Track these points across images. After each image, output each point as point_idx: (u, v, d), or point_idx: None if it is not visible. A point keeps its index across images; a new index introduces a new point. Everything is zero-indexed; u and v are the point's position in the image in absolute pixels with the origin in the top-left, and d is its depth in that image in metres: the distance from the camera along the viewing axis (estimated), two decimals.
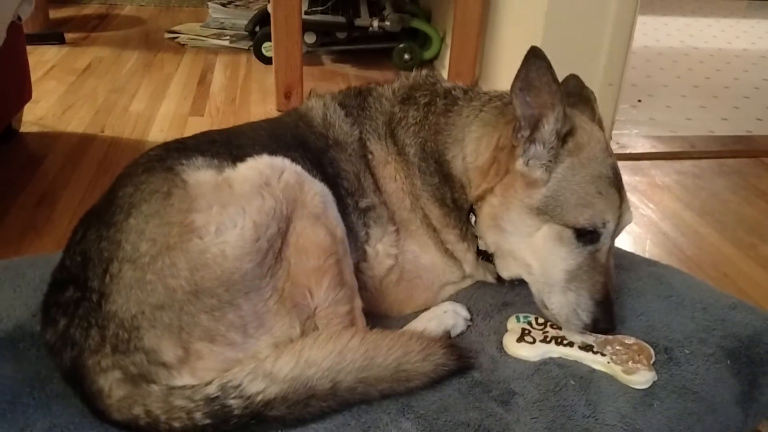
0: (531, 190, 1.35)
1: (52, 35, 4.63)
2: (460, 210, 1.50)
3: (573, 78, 1.58)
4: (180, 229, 1.17)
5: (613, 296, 1.37)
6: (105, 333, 1.13)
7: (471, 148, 1.47)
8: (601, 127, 1.49)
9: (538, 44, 1.27)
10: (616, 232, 1.38)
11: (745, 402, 1.36)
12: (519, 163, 1.36)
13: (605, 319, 1.34)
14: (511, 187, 1.37)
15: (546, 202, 1.34)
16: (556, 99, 1.29)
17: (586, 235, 1.33)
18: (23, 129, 3.21)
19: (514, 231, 1.38)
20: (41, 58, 4.27)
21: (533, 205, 1.34)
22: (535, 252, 1.37)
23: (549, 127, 1.32)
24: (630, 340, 1.38)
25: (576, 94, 1.55)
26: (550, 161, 1.34)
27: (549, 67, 1.27)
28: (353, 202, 1.49)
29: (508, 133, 1.39)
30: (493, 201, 1.39)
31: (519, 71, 1.28)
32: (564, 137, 1.34)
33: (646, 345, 1.38)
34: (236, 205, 1.21)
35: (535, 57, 1.27)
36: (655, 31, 6.03)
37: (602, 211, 1.33)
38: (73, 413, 1.17)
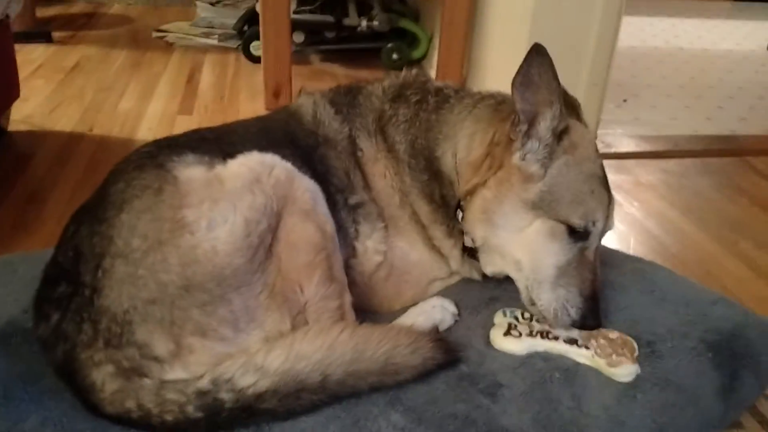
0: (527, 185, 1.37)
1: (40, 34, 4.60)
2: (448, 207, 1.52)
3: None
4: (171, 224, 1.19)
5: (600, 294, 1.40)
6: (98, 327, 1.15)
7: (463, 144, 1.49)
8: None
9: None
10: (603, 232, 1.41)
11: (726, 394, 1.39)
12: (516, 158, 1.37)
13: (593, 316, 1.36)
14: (506, 180, 1.39)
15: (542, 197, 1.36)
16: (554, 97, 1.32)
17: (578, 233, 1.35)
18: (11, 128, 3.20)
19: (505, 225, 1.40)
20: (28, 57, 4.24)
21: (528, 199, 1.36)
22: (525, 247, 1.39)
23: (546, 124, 1.35)
24: (614, 335, 1.41)
25: None
26: (545, 157, 1.36)
27: (550, 64, 1.29)
28: (343, 199, 1.51)
29: (503, 129, 1.41)
30: (486, 194, 1.41)
31: (521, 67, 1.30)
32: (560, 135, 1.37)
33: (630, 339, 1.41)
34: (227, 201, 1.23)
35: (537, 54, 1.29)
36: (641, 32, 6.08)
37: (594, 209, 1.36)
38: (66, 407, 1.18)
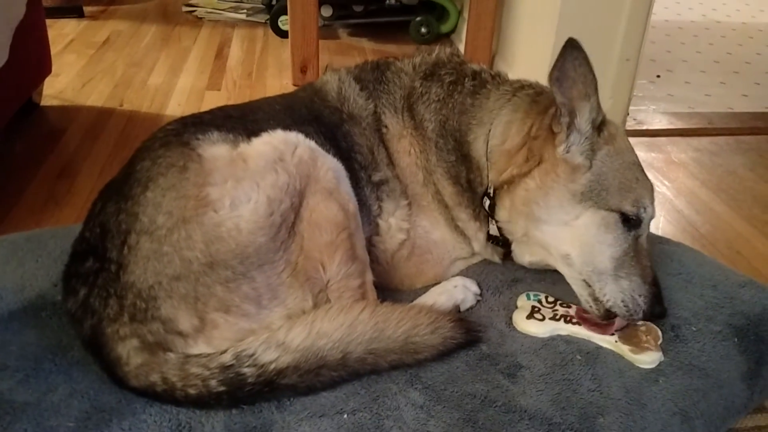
0: (575, 175, 1.36)
1: (71, 9, 4.65)
2: (474, 191, 1.51)
3: None
4: (195, 202, 1.20)
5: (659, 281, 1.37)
6: (123, 302, 1.17)
7: (499, 131, 1.47)
8: None
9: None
10: (650, 218, 1.40)
11: (751, 379, 1.37)
12: (560, 150, 1.36)
13: (659, 303, 1.34)
14: (551, 172, 1.37)
15: (591, 187, 1.35)
16: (591, 90, 1.31)
17: (631, 221, 1.34)
18: (44, 102, 3.26)
19: (550, 219, 1.38)
20: (60, 32, 4.29)
21: (577, 191, 1.35)
22: (576, 240, 1.37)
23: (585, 117, 1.34)
24: (639, 322, 1.40)
25: None
26: (589, 149, 1.36)
27: (585, 58, 1.28)
28: (366, 176, 1.51)
29: (541, 122, 1.40)
30: (530, 184, 1.40)
31: (556, 61, 1.29)
32: (599, 127, 1.37)
33: (654, 326, 1.39)
34: (250, 180, 1.23)
35: (572, 48, 1.28)
36: (676, 5, 5.92)
37: (642, 195, 1.36)
38: (93, 379, 1.22)
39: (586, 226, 1.35)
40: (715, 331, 1.41)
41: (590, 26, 2.98)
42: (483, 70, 1.61)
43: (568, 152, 1.36)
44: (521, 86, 1.55)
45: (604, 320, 1.36)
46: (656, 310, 1.34)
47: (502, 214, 1.46)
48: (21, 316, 1.37)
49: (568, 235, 1.38)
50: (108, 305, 1.18)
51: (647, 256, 1.37)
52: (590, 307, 1.37)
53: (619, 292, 1.33)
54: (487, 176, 1.48)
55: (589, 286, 1.37)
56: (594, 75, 1.30)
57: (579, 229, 1.36)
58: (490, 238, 1.53)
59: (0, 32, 2.54)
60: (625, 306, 1.33)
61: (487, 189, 1.48)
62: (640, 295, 1.33)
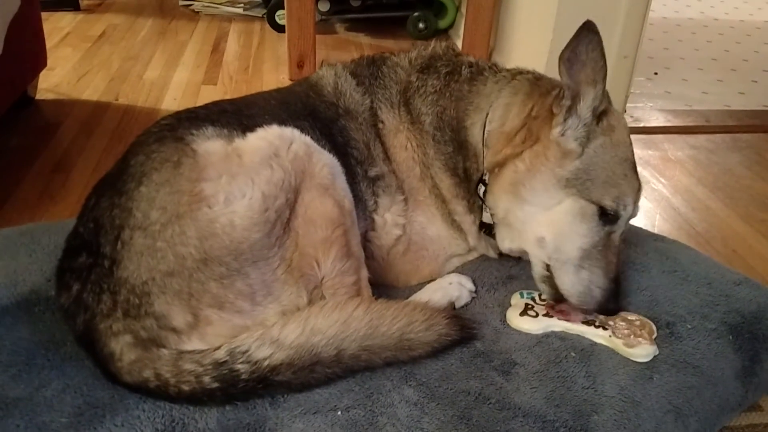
0: (563, 161, 1.35)
1: (67, 2, 4.62)
2: (470, 181, 1.51)
3: None
4: (189, 198, 1.19)
5: (620, 278, 1.38)
6: (116, 298, 1.17)
7: (498, 114, 1.47)
8: None
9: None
10: (629, 218, 1.39)
11: (746, 377, 1.37)
12: (555, 132, 1.36)
13: (614, 300, 1.35)
14: (542, 154, 1.37)
15: (577, 175, 1.34)
16: (599, 76, 1.30)
17: (608, 215, 1.34)
18: (39, 96, 3.24)
19: (533, 200, 1.38)
20: (56, 25, 4.27)
21: (563, 176, 1.35)
22: (551, 225, 1.37)
23: (587, 103, 1.33)
24: (633, 316, 1.40)
25: None
26: (584, 136, 1.35)
27: (599, 43, 1.27)
28: (362, 171, 1.51)
29: (543, 103, 1.40)
30: (519, 166, 1.39)
31: (570, 42, 1.28)
32: (599, 116, 1.36)
33: (649, 321, 1.39)
34: (245, 176, 1.23)
35: (588, 31, 1.26)
36: (674, 2, 5.91)
37: (625, 193, 1.35)
38: (86, 375, 1.21)
39: (564, 213, 1.36)
40: (709, 329, 1.41)
41: None
42: (480, 60, 1.61)
43: (563, 135, 1.35)
44: (519, 71, 1.55)
45: (555, 302, 1.39)
46: (610, 305, 1.35)
47: (490, 196, 1.45)
48: (14, 311, 1.36)
49: (546, 219, 1.38)
50: (101, 301, 1.17)
51: (616, 253, 1.37)
52: (543, 286, 1.40)
53: (577, 282, 1.35)
54: (483, 162, 1.48)
55: (549, 269, 1.38)
56: (605, 62, 1.29)
57: (557, 214, 1.36)
58: (483, 226, 1.52)
59: None
60: (578, 295, 1.35)
61: (482, 175, 1.47)
62: (597, 287, 1.34)
